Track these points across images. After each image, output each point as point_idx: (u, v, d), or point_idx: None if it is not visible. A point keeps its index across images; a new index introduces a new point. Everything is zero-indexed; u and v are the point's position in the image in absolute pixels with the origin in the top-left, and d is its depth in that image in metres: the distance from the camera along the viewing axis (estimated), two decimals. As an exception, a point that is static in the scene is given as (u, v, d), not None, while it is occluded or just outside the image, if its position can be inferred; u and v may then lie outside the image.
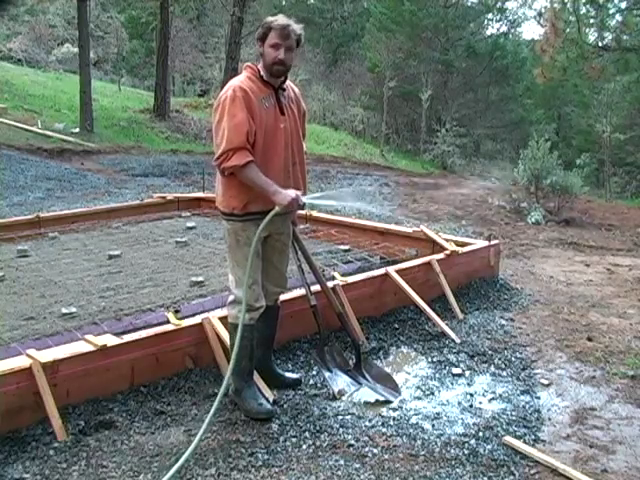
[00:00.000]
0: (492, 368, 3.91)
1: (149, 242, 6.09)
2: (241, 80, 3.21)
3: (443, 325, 4.42)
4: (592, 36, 17.79)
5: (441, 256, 5.03)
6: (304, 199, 3.21)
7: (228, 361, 3.43)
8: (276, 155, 3.21)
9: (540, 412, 3.39)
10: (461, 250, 5.20)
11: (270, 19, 3.24)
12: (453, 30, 28.02)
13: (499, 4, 30.69)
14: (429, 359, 4.02)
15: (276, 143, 3.21)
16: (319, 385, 3.63)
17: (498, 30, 31.72)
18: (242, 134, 3.08)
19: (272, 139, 3.20)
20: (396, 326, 4.43)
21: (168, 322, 3.71)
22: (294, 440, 3.07)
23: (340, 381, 3.57)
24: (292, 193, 3.11)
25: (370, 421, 3.26)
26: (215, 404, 2.99)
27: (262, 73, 3.24)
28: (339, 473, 2.82)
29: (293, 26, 3.20)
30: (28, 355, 3.17)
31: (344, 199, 3.35)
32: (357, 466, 2.87)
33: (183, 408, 3.31)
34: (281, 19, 3.22)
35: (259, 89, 3.20)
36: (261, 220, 3.14)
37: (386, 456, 2.96)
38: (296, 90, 3.45)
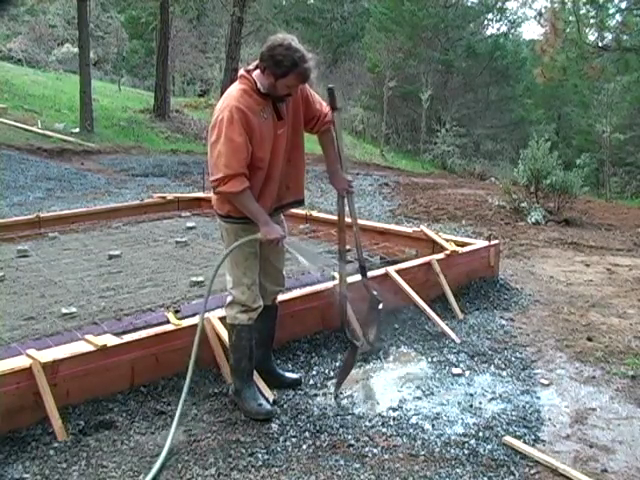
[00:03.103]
0: (492, 368, 3.91)
1: (149, 242, 6.09)
2: (237, 98, 3.05)
3: (443, 325, 4.42)
4: (592, 36, 17.79)
5: (441, 256, 5.03)
6: (286, 242, 3.23)
7: (228, 361, 3.45)
8: (276, 160, 3.20)
9: (540, 412, 3.39)
10: (461, 250, 5.20)
11: (292, 55, 2.98)
12: (453, 30, 28.07)
13: (499, 4, 30.74)
14: (429, 359, 4.02)
15: (276, 150, 3.19)
16: (319, 385, 3.63)
17: (498, 30, 31.81)
18: (240, 160, 3.02)
19: (273, 147, 3.17)
20: (396, 326, 4.42)
21: (168, 322, 3.71)
22: (294, 440, 3.07)
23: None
24: (278, 233, 3.14)
25: (370, 421, 3.26)
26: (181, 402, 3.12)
27: (259, 86, 3.10)
28: (339, 473, 2.82)
29: (312, 67, 3.05)
30: (28, 355, 3.17)
31: (314, 262, 3.44)
32: (357, 466, 2.87)
33: (183, 408, 3.31)
34: (301, 56, 3.00)
35: (256, 103, 3.08)
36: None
37: (386, 456, 2.96)
38: None
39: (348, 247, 5.92)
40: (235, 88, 3.13)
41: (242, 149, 3.02)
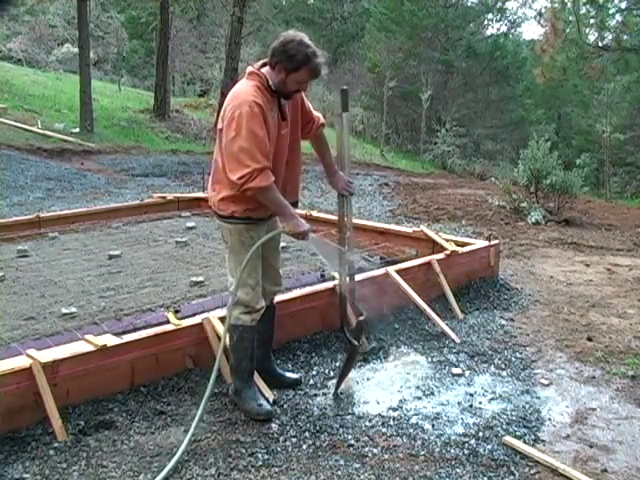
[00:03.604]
0: (492, 368, 3.91)
1: (149, 242, 6.09)
2: (252, 93, 3.04)
3: (443, 325, 4.42)
4: (592, 36, 17.79)
5: (441, 256, 5.03)
6: (310, 237, 3.19)
7: (228, 361, 3.44)
8: (279, 160, 3.21)
9: (540, 412, 3.39)
10: (461, 250, 5.20)
11: (305, 50, 3.01)
12: (453, 30, 28.09)
13: (499, 4, 30.77)
14: (429, 359, 4.02)
15: (279, 149, 3.19)
16: (319, 385, 3.63)
17: (498, 30, 31.86)
18: (264, 152, 3.00)
19: (277, 146, 3.17)
20: (396, 326, 4.42)
21: (168, 322, 3.71)
22: (294, 440, 3.07)
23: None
24: (305, 226, 3.12)
25: (370, 421, 3.26)
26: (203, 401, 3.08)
27: (270, 83, 3.09)
28: (339, 473, 2.82)
29: (323, 63, 3.07)
30: (28, 355, 3.17)
31: (333, 260, 3.47)
32: (357, 466, 2.87)
33: (183, 408, 3.31)
34: (314, 51, 3.03)
35: (268, 100, 3.09)
36: (262, 223, 3.17)
37: (386, 456, 2.96)
38: None
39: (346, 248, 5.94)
40: (247, 84, 3.11)
41: (265, 142, 3.01)
